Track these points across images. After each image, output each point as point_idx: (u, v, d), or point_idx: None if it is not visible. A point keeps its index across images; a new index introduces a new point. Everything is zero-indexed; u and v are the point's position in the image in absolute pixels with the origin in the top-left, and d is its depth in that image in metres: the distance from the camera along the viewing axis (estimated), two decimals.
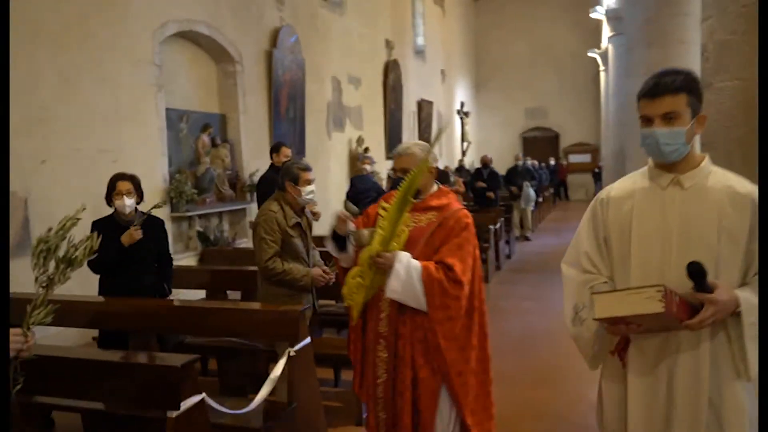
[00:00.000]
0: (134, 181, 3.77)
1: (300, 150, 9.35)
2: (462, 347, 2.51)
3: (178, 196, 6.53)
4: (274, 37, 8.72)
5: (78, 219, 1.84)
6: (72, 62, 5.47)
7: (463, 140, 20.30)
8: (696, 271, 1.68)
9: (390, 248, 2.41)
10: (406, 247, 2.51)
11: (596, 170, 20.24)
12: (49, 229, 1.81)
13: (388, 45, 13.52)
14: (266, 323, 3.17)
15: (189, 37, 7.30)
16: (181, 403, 2.18)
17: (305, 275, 3.49)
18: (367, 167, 8.26)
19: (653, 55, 6.82)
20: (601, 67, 18.43)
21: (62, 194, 5.19)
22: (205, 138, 7.46)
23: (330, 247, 2.71)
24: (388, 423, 2.56)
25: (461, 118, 20.23)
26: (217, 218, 7.70)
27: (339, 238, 2.67)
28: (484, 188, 10.00)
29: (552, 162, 19.88)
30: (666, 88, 1.80)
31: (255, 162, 8.21)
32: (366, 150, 11.37)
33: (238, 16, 7.94)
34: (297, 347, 3.01)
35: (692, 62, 5.91)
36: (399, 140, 14.04)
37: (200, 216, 7.26)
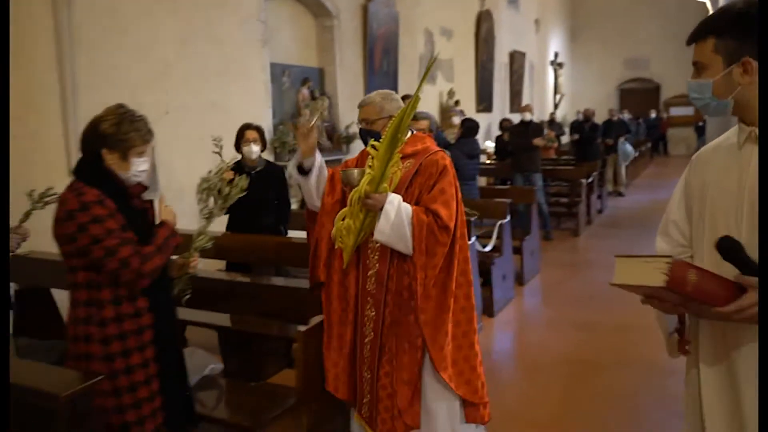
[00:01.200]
0: (260, 130, 4.17)
1: None
2: (439, 295, 2.37)
3: (281, 146, 6.98)
4: None
5: (231, 165, 2.21)
6: (187, 21, 5.93)
7: (555, 92, 19.76)
8: (725, 248, 1.38)
9: (380, 190, 2.27)
10: None
11: (700, 124, 19.15)
12: (209, 171, 2.19)
13: None
14: None
15: None
16: (310, 319, 2.56)
17: None
18: (455, 120, 8.36)
19: None
20: (711, 11, 17.25)
21: (182, 143, 5.74)
22: (305, 91, 7.84)
23: (294, 174, 2.55)
24: (372, 383, 2.43)
25: (555, 69, 19.64)
26: None
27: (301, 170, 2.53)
28: (583, 140, 9.87)
29: (653, 115, 18.98)
30: (695, 34, 1.55)
31: (350, 114, 8.54)
32: (457, 103, 11.42)
33: None
34: None
35: None
36: (490, 93, 13.94)
37: None
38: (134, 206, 2.10)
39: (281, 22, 7.63)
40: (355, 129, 8.08)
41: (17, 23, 4.50)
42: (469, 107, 12.48)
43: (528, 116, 8.07)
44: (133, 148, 2.06)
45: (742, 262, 1.36)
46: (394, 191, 2.36)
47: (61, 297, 4.27)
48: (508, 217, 5.05)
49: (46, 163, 4.70)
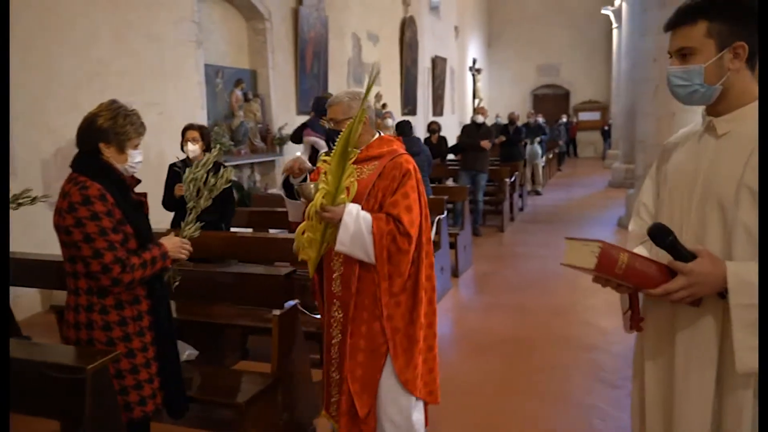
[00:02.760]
0: (201, 130, 4.23)
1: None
2: (408, 301, 2.37)
3: (217, 147, 7.00)
4: None
5: (216, 158, 2.35)
6: (124, 20, 5.89)
7: (474, 97, 20.56)
8: (654, 234, 1.43)
9: (338, 202, 2.24)
10: (354, 202, 2.33)
11: (605, 128, 20.52)
12: (196, 165, 2.33)
13: (405, 1, 13.72)
14: None
15: None
16: (285, 304, 2.72)
17: None
18: (389, 122, 8.65)
19: (667, 16, 7.12)
20: (614, 25, 18.52)
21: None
22: (238, 92, 7.89)
23: (284, 197, 2.65)
24: (340, 384, 2.44)
25: (473, 75, 20.44)
26: (249, 169, 8.20)
27: (290, 186, 2.62)
28: (508, 142, 10.42)
29: (564, 119, 20.15)
30: (681, 18, 1.48)
31: (283, 116, 8.66)
32: (384, 106, 11.74)
33: None
34: None
35: None
36: (414, 96, 14.39)
37: (235, 166, 7.75)
38: (131, 199, 2.19)
39: (214, 23, 7.65)
40: (288, 131, 8.21)
41: None
42: (395, 110, 12.82)
43: (480, 118, 8.43)
44: (129, 140, 2.16)
45: (673, 248, 1.41)
46: (356, 193, 2.33)
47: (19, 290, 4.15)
48: (446, 213, 5.38)
49: None
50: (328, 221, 2.27)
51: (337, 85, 10.38)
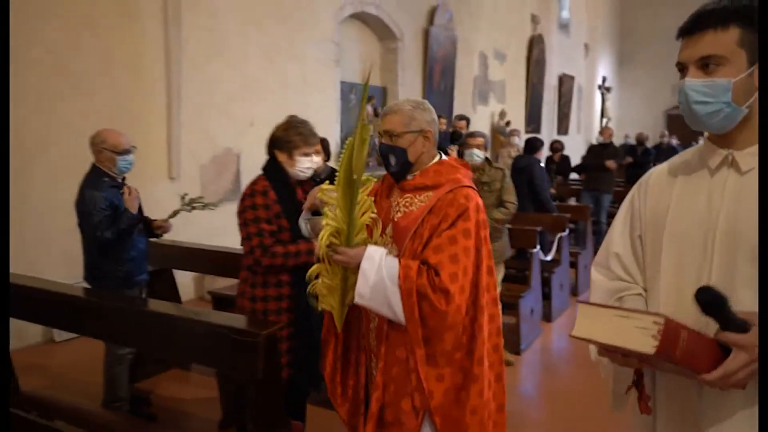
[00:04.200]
0: (323, 142, 4.61)
1: (448, 122, 10.03)
2: (455, 376, 1.88)
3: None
4: (431, 15, 9.40)
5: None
6: (272, 41, 6.51)
7: (602, 116, 19.94)
8: (706, 301, 1.11)
9: (356, 242, 1.87)
10: (394, 241, 1.95)
11: None
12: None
13: (534, 20, 13.71)
14: None
15: (360, 17, 8.17)
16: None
17: None
18: (516, 140, 8.74)
19: None
20: None
21: (264, 152, 6.28)
22: (369, 108, 8.35)
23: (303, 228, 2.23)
24: None
25: (602, 93, 19.85)
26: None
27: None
28: (635, 164, 10.13)
29: (700, 141, 18.97)
30: (706, 21, 1.21)
31: None
32: (508, 123, 11.80)
33: None
34: None
35: None
36: (539, 114, 14.28)
37: None
38: (295, 199, 2.55)
39: (350, 43, 8.18)
40: None
41: (132, 38, 5.11)
42: (519, 128, 12.84)
43: (602, 139, 8.40)
44: (297, 148, 2.53)
45: (725, 317, 1.10)
46: (400, 230, 1.93)
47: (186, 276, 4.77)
48: (567, 231, 5.42)
49: (152, 165, 5.28)
50: (341, 265, 1.88)
51: (463, 101, 10.61)
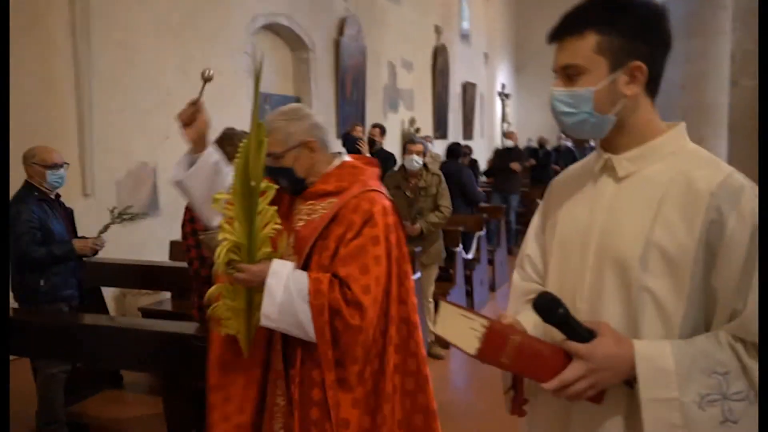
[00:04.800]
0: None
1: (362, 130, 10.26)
2: (368, 397, 1.75)
3: None
4: (341, 27, 9.58)
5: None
6: (186, 53, 6.44)
7: (503, 121, 20.95)
8: (540, 307, 1.10)
9: (259, 257, 1.68)
10: (295, 252, 1.80)
11: None
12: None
13: (437, 30, 14.24)
14: None
15: (271, 28, 8.21)
16: None
17: None
18: (429, 146, 9.06)
19: (694, 45, 7.45)
20: None
21: None
22: None
23: (180, 176, 1.92)
24: None
25: (502, 100, 20.85)
26: None
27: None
28: (539, 165, 10.78)
29: (592, 143, 20.36)
30: (563, 28, 1.18)
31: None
32: (417, 130, 12.18)
33: (311, 7, 8.82)
34: None
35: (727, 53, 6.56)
36: (445, 121, 14.82)
37: None
38: None
39: (263, 54, 8.19)
40: None
41: (39, 50, 4.93)
42: (427, 134, 13.29)
43: (510, 143, 8.87)
44: (231, 160, 2.61)
45: (565, 323, 1.09)
46: (300, 241, 1.78)
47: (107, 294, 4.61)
48: (484, 230, 5.75)
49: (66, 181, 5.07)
50: (243, 284, 1.69)
51: (374, 110, 10.86)
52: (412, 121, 12.38)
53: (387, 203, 1.82)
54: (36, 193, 3.27)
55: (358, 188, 1.79)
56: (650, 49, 1.16)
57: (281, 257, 1.74)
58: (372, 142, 6.85)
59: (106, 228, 3.31)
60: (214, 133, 2.73)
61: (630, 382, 1.09)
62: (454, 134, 15.49)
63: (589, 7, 1.17)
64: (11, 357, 3.68)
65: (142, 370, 3.61)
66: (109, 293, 5.09)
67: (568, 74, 1.17)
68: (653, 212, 1.12)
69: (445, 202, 4.36)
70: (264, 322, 1.68)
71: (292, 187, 1.84)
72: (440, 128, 14.53)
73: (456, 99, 15.90)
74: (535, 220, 1.42)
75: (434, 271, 4.42)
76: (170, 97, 6.19)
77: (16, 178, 3.42)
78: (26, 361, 3.38)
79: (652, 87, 1.20)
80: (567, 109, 1.18)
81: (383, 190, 1.87)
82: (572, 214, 1.26)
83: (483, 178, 9.64)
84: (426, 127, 13.52)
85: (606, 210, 1.19)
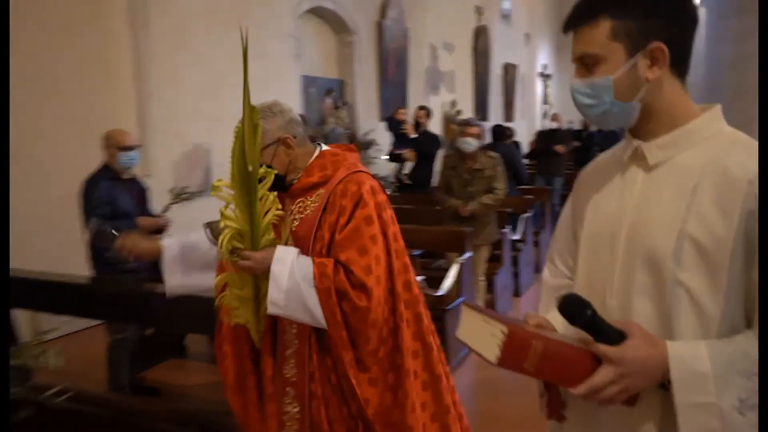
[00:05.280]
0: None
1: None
2: (386, 374, 1.75)
3: None
4: (384, 9, 9.64)
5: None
6: (237, 38, 6.58)
7: (545, 102, 20.70)
8: (566, 309, 1.05)
9: (262, 244, 1.67)
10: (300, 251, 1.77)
11: None
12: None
13: (478, 11, 14.13)
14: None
15: (317, 12, 8.32)
16: None
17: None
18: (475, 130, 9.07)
19: (744, 24, 7.30)
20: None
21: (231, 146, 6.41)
22: (329, 101, 8.54)
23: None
24: None
25: (543, 81, 20.58)
26: None
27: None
28: (582, 147, 10.71)
29: None
30: (577, 17, 1.13)
31: (367, 123, 9.26)
32: (458, 113, 12.18)
33: None
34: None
35: None
36: (485, 103, 14.75)
37: None
38: None
39: (308, 38, 8.33)
40: (371, 136, 8.79)
41: (103, 40, 5.16)
42: (468, 116, 13.27)
43: (555, 124, 8.83)
44: None
45: (593, 325, 1.03)
46: (301, 238, 1.77)
47: None
48: (530, 212, 5.81)
49: None
50: (248, 272, 1.68)
51: (416, 92, 10.91)
52: (453, 104, 12.39)
53: (374, 183, 1.81)
54: (109, 173, 3.49)
55: (342, 172, 1.78)
56: (670, 27, 1.08)
57: (285, 244, 1.74)
58: (417, 124, 6.92)
59: (167, 207, 3.51)
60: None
61: (664, 385, 1.03)
62: (495, 116, 15.41)
63: None
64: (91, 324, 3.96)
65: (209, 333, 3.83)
66: None
67: (586, 64, 1.12)
68: (687, 202, 1.05)
69: (500, 184, 4.44)
70: (271, 309, 1.68)
71: (273, 186, 1.75)
72: (481, 110, 14.47)
73: (497, 80, 15.78)
74: (565, 213, 1.36)
75: (485, 252, 4.52)
76: (222, 81, 6.39)
77: (90, 161, 3.65)
78: (101, 329, 3.63)
79: (679, 67, 1.11)
80: (588, 101, 1.13)
81: (367, 170, 1.86)
82: (600, 206, 1.20)
83: (525, 161, 9.61)
84: (467, 109, 13.50)
85: (636, 201, 1.12)
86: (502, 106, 16.35)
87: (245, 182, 1.57)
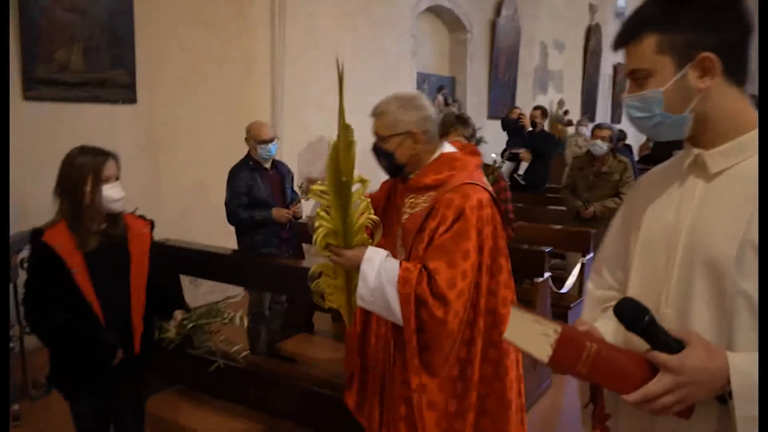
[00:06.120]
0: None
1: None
2: (453, 386, 1.81)
3: None
4: (499, 7, 9.67)
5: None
6: (360, 37, 6.91)
7: None
8: (623, 314, 1.03)
9: (355, 243, 1.79)
10: (402, 244, 1.90)
11: None
12: None
13: (591, 9, 13.78)
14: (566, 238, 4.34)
15: (433, 10, 8.50)
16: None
17: None
18: (583, 129, 8.95)
19: None
20: None
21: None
22: (440, 98, 8.69)
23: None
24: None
25: None
26: None
27: None
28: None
29: None
30: (623, 36, 1.14)
31: (476, 120, 9.33)
32: (566, 113, 11.99)
33: None
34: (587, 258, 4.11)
35: None
36: (594, 103, 14.39)
37: None
38: None
39: (424, 35, 8.53)
40: (480, 134, 8.86)
41: (246, 38, 5.58)
42: (574, 117, 13.01)
43: None
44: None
45: (651, 333, 1.01)
46: (405, 233, 1.87)
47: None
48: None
49: None
50: (341, 266, 1.83)
51: (524, 91, 10.86)
52: (560, 103, 12.20)
53: (483, 196, 1.81)
54: (250, 163, 3.79)
55: (454, 182, 1.82)
56: (719, 36, 1.06)
57: (376, 245, 1.83)
58: (534, 124, 6.96)
59: (298, 201, 3.78)
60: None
61: (723, 397, 1.00)
62: (602, 117, 14.96)
63: (644, 7, 1.12)
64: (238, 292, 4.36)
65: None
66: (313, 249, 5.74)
67: (636, 78, 1.13)
68: (749, 209, 1.02)
69: (627, 190, 4.44)
70: (359, 302, 1.81)
71: (390, 170, 1.95)
72: (588, 110, 14.12)
73: (606, 81, 15.32)
74: (617, 222, 1.32)
75: None
76: (345, 77, 6.71)
77: (232, 151, 4.01)
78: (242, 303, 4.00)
79: (735, 74, 1.09)
80: (639, 114, 1.14)
81: (481, 181, 1.86)
82: (657, 214, 1.18)
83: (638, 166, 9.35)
84: (574, 110, 13.24)
85: (696, 209, 1.10)
86: (611, 107, 15.86)
87: (339, 190, 1.69)
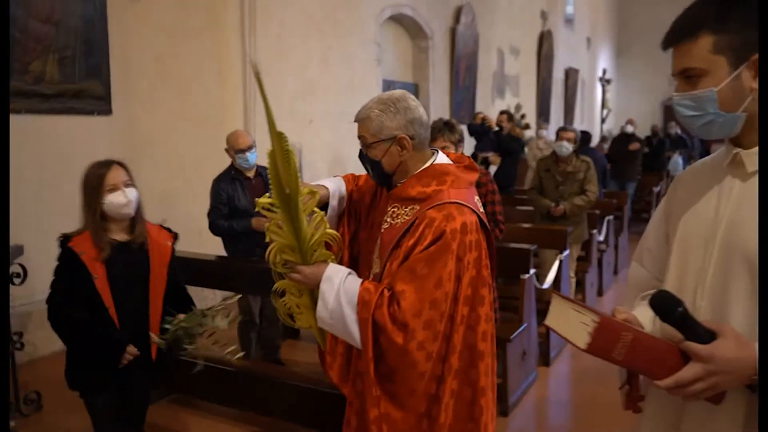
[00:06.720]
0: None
1: (471, 115, 10.56)
2: (418, 423, 1.64)
3: None
4: (458, 15, 9.90)
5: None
6: (328, 45, 6.99)
7: (603, 107, 20.57)
8: (657, 305, 1.09)
9: (314, 259, 1.67)
10: (380, 255, 1.73)
11: None
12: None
13: (543, 15, 14.24)
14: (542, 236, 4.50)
15: (396, 18, 8.65)
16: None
17: None
18: (544, 132, 9.25)
19: None
20: None
21: (320, 146, 6.80)
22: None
23: None
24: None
25: (603, 85, 20.46)
26: None
27: None
28: (652, 153, 10.74)
29: None
30: (677, 34, 1.16)
31: None
32: (523, 116, 12.32)
33: None
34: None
35: None
36: (548, 107, 14.84)
37: None
38: None
39: (388, 43, 8.66)
40: None
41: (219, 47, 5.59)
42: (531, 120, 13.39)
43: (630, 128, 8.94)
44: None
45: (684, 323, 1.06)
46: (381, 247, 1.72)
47: None
48: (613, 216, 6.00)
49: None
50: (299, 284, 1.69)
51: (483, 96, 11.13)
52: (518, 107, 12.53)
53: (470, 219, 1.63)
54: (232, 173, 3.77)
55: (440, 198, 1.64)
56: None
57: (336, 261, 1.71)
58: (500, 128, 7.17)
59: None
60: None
61: (752, 386, 1.05)
62: (556, 120, 15.45)
63: (700, 6, 1.14)
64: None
65: None
66: None
67: (688, 77, 1.14)
68: None
69: (593, 187, 4.67)
70: (320, 324, 1.67)
71: (378, 179, 1.76)
72: (543, 114, 14.56)
73: (558, 85, 15.83)
74: (658, 215, 1.37)
75: (575, 250, 4.76)
76: (313, 85, 6.78)
77: (207, 159, 4.02)
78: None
79: None
80: (690, 113, 1.15)
81: (471, 202, 1.68)
82: (696, 209, 1.21)
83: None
84: (530, 113, 13.62)
85: (734, 205, 1.14)
86: (563, 110, 16.39)
87: (285, 203, 1.57)
